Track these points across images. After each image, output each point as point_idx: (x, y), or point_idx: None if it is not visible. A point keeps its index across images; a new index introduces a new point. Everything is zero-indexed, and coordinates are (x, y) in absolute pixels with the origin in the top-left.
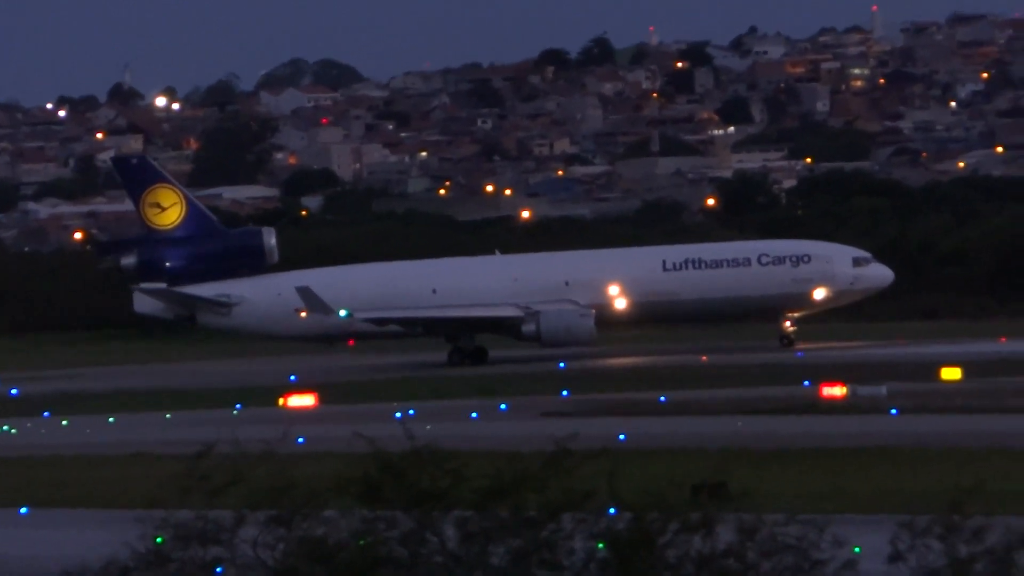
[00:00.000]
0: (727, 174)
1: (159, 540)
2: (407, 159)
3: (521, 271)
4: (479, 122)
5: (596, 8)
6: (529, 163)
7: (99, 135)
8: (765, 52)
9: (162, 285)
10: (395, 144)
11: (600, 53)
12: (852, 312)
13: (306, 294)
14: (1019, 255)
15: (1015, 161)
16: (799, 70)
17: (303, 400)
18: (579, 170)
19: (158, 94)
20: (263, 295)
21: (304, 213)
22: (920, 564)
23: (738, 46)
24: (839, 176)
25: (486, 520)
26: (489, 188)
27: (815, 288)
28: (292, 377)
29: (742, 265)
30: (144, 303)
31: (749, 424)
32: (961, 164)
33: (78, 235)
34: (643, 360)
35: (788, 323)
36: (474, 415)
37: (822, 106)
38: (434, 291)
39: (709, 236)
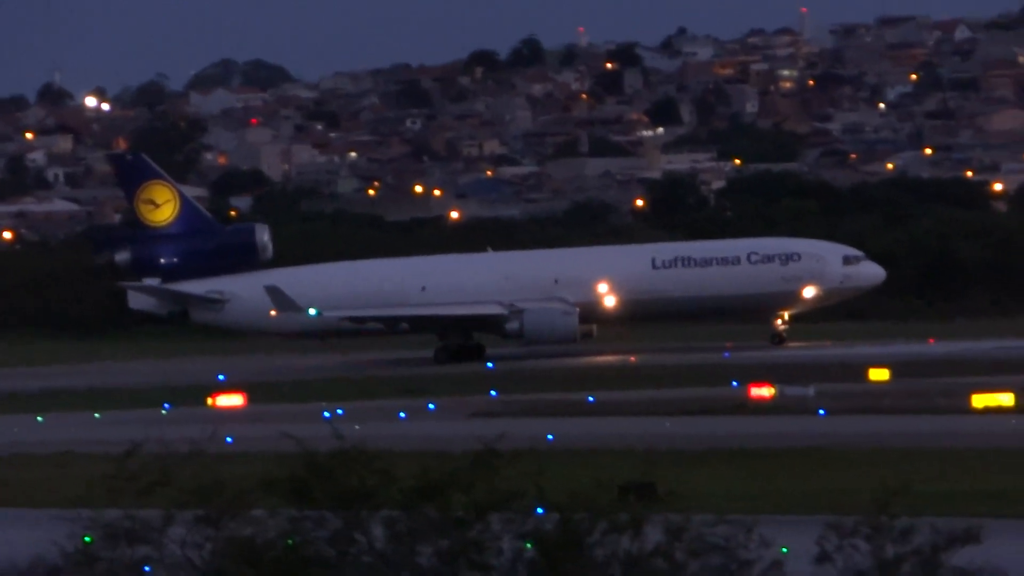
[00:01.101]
0: (656, 175)
1: (87, 539)
2: (336, 159)
3: (511, 269)
4: (408, 123)
5: (525, 9)
6: (458, 164)
7: (28, 135)
8: (694, 53)
9: (153, 281)
10: (324, 144)
11: (529, 54)
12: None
13: (274, 293)
14: (947, 256)
15: (943, 162)
16: (728, 71)
17: (231, 400)
18: (508, 171)
19: (88, 94)
20: (253, 291)
21: (233, 213)
22: (847, 565)
23: (667, 47)
24: (768, 177)
25: (414, 520)
26: (418, 188)
27: (804, 286)
28: (220, 377)
29: (731, 263)
30: (138, 300)
31: (677, 425)
32: (889, 165)
33: (7, 235)
34: (606, 359)
35: (780, 321)
36: (402, 415)
37: (751, 107)
38: (423, 288)
39: (637, 237)
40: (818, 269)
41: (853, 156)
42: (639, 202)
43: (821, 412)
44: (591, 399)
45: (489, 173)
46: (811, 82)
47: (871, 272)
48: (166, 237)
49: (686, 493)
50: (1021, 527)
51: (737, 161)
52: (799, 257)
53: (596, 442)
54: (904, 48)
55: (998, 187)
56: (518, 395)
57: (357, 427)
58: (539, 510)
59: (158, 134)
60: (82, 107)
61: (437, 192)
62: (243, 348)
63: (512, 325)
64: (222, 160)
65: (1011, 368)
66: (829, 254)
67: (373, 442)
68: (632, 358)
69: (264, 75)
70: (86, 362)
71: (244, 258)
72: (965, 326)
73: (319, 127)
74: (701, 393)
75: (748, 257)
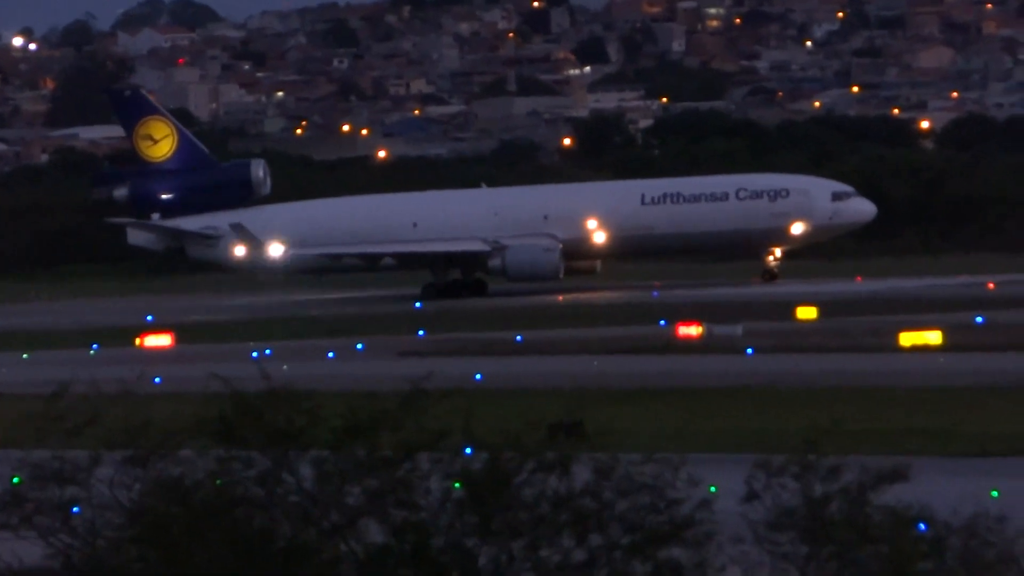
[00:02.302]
0: (583, 114)
1: (16, 480)
2: (263, 99)
3: (501, 205)
4: (335, 62)
5: None
6: (385, 103)
7: None
8: None
9: (132, 220)
10: (251, 84)
11: None
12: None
13: (238, 230)
14: (874, 194)
15: (870, 100)
16: (655, 10)
17: (160, 340)
18: (435, 110)
19: (15, 34)
20: (250, 228)
21: None
22: (775, 503)
23: None
24: (695, 116)
25: (342, 460)
26: (345, 128)
27: (792, 223)
28: (149, 317)
29: (719, 199)
30: (137, 236)
31: (605, 364)
32: (817, 104)
33: None
34: (597, 295)
35: (771, 258)
36: (331, 355)
37: (678, 46)
38: (415, 225)
39: (564, 176)
40: (806, 205)
41: (780, 94)
42: (566, 141)
43: (749, 351)
44: (519, 338)
45: (416, 112)
46: (738, 20)
47: (861, 208)
48: (164, 173)
49: (615, 432)
50: (948, 465)
51: (664, 100)
52: (787, 193)
53: (525, 381)
54: None
55: (925, 125)
56: (447, 334)
57: (285, 367)
58: (468, 450)
59: (85, 74)
60: (8, 47)
61: (364, 131)
62: (208, 285)
63: (495, 262)
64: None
65: (938, 306)
66: (818, 190)
67: (301, 382)
68: (560, 297)
69: (191, 14)
70: (12, 303)
71: (240, 194)
72: (893, 264)
73: (246, 67)
74: (630, 332)
75: (737, 193)
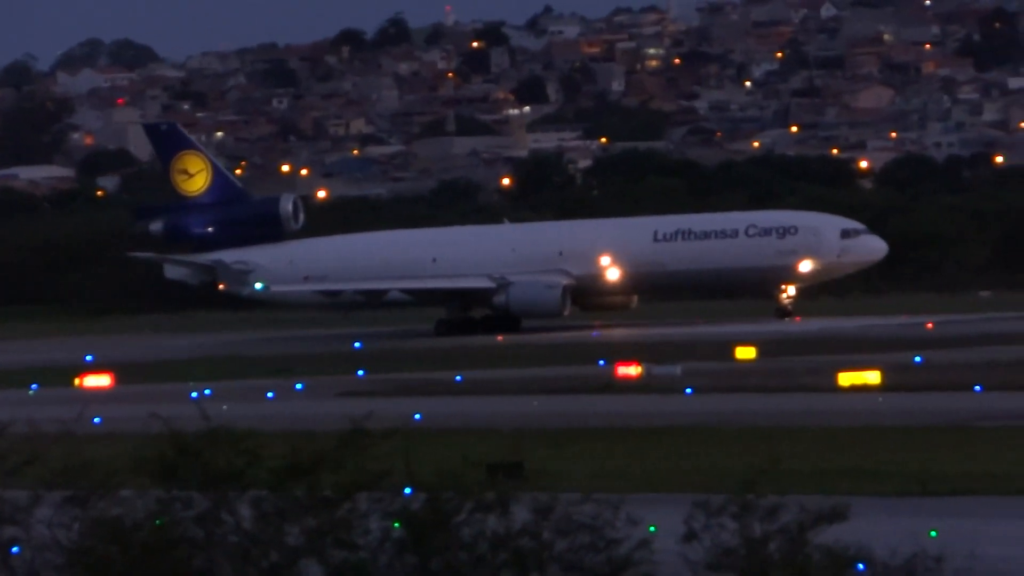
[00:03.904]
0: (523, 154)
1: None
2: (203, 139)
3: (518, 240)
4: (275, 102)
5: None
6: (325, 143)
7: None
8: (560, 32)
9: (150, 254)
10: (191, 124)
11: (396, 33)
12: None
13: (221, 267)
14: None
15: (809, 140)
16: (594, 50)
17: (99, 380)
18: (375, 150)
19: None
20: (276, 263)
21: (100, 193)
22: (715, 543)
23: (534, 26)
24: (634, 156)
25: (281, 500)
26: (285, 168)
27: (800, 260)
28: (88, 357)
29: (730, 236)
30: (174, 271)
31: (544, 404)
32: (756, 143)
33: None
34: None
35: (784, 295)
36: (270, 395)
37: (617, 86)
38: (434, 260)
39: (503, 216)
40: (815, 243)
41: (719, 134)
42: (506, 181)
43: (688, 390)
44: (458, 378)
45: (356, 152)
46: (677, 60)
47: (871, 245)
48: (198, 207)
49: (554, 472)
50: (887, 504)
51: (603, 139)
52: (796, 230)
53: (464, 421)
54: (770, 26)
55: (864, 165)
56: (386, 374)
57: (225, 407)
58: (407, 490)
59: (24, 114)
60: None
61: (304, 171)
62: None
63: (500, 298)
64: (89, 140)
65: (877, 346)
66: (826, 227)
67: (241, 422)
68: (499, 337)
69: (131, 55)
70: None
71: (270, 229)
72: (831, 304)
73: (186, 107)
74: (569, 372)
75: (747, 230)
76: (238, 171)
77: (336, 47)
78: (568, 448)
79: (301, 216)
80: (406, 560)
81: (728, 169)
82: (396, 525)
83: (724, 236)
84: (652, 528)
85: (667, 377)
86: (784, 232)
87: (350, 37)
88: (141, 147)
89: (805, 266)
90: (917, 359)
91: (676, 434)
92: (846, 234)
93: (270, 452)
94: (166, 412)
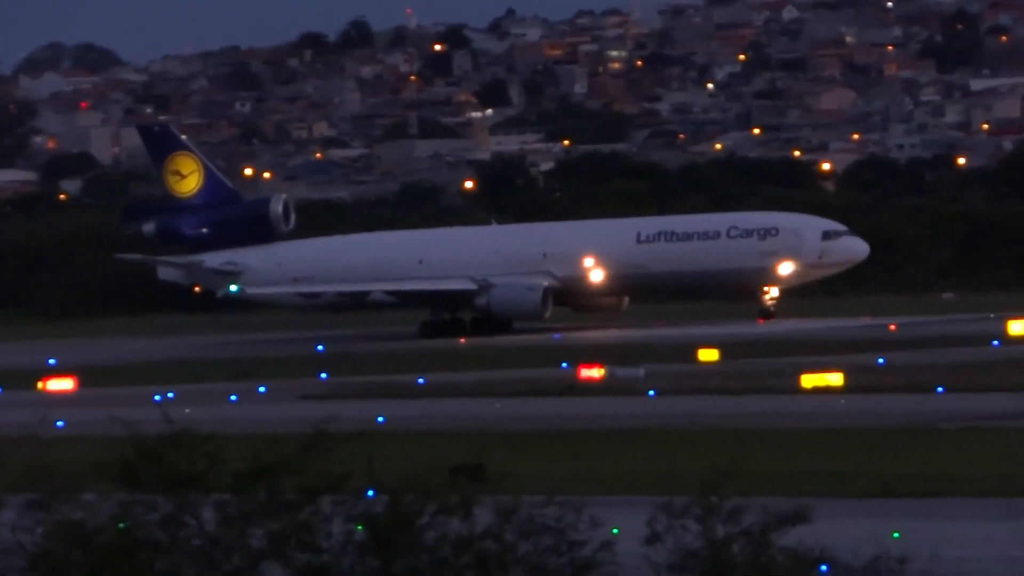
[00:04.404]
0: (485, 156)
1: None
2: None
3: (504, 242)
4: (238, 105)
5: None
6: (288, 146)
7: None
8: (523, 35)
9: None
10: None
11: (359, 36)
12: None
13: (197, 269)
14: None
15: (771, 143)
16: (557, 52)
17: (62, 384)
18: (337, 153)
19: None
20: (265, 264)
21: (63, 197)
22: (678, 545)
23: (496, 28)
24: (597, 158)
25: (244, 503)
26: (248, 171)
27: (780, 262)
28: (51, 361)
29: (711, 238)
30: (167, 272)
31: (507, 406)
32: (718, 146)
33: None
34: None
35: (768, 297)
36: (233, 398)
37: (580, 88)
38: (420, 262)
39: (466, 219)
40: (795, 244)
41: (682, 137)
42: (468, 183)
43: (651, 393)
44: (421, 381)
45: (318, 156)
46: (640, 63)
47: (852, 247)
48: (191, 208)
49: (516, 474)
50: (849, 506)
51: (566, 142)
52: (777, 232)
53: (427, 424)
54: (732, 28)
55: (826, 166)
56: (349, 377)
57: (188, 410)
58: (370, 492)
59: None
60: None
61: (267, 175)
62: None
63: (481, 300)
64: (52, 144)
65: (840, 348)
66: (808, 229)
67: (204, 425)
68: (462, 339)
69: (93, 58)
70: None
71: (260, 230)
72: (794, 306)
73: (149, 110)
74: (532, 375)
75: (728, 232)
76: None
77: (298, 50)
78: (531, 451)
79: (293, 217)
80: (369, 563)
81: (691, 171)
82: (359, 528)
83: (706, 238)
84: (615, 530)
85: (630, 379)
86: (765, 234)
87: (312, 40)
88: (104, 151)
89: (786, 268)
90: (880, 361)
91: (639, 436)
92: (827, 236)
93: (233, 455)
94: (129, 416)
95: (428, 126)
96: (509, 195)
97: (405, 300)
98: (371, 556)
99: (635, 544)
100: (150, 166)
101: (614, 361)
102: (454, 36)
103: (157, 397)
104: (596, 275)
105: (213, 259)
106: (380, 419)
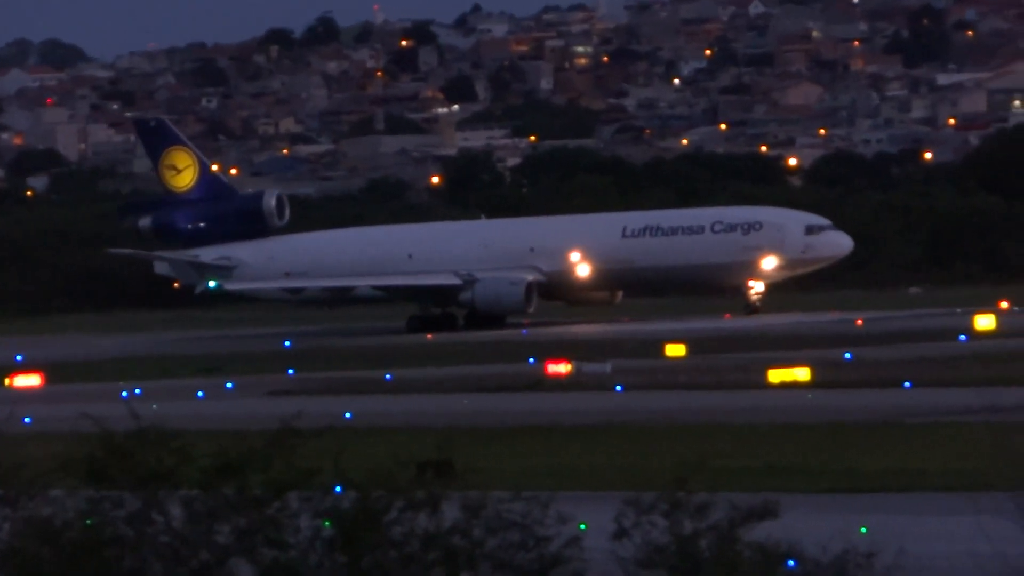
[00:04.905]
0: (452, 152)
1: None
2: (132, 139)
3: (492, 237)
4: (204, 101)
5: None
6: (254, 142)
7: None
8: (489, 30)
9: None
10: (120, 124)
11: (325, 32)
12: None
13: (174, 264)
14: None
15: (738, 138)
16: (523, 48)
17: (29, 380)
18: (304, 149)
19: None
20: (257, 258)
21: (30, 193)
22: (645, 540)
23: (462, 24)
24: (563, 154)
25: (212, 499)
26: (214, 167)
27: (763, 257)
28: (18, 357)
29: (696, 233)
30: (162, 266)
31: (474, 402)
32: (685, 141)
33: None
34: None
35: (752, 292)
36: (200, 394)
37: (546, 84)
38: (410, 256)
39: (432, 214)
40: (778, 239)
41: (648, 132)
42: (435, 179)
43: (618, 388)
44: (388, 376)
45: (285, 151)
46: (606, 58)
47: (836, 241)
48: (186, 203)
49: (484, 470)
50: (817, 501)
51: (532, 138)
52: (760, 226)
53: (395, 420)
54: (698, 23)
55: (793, 162)
56: (316, 373)
57: (155, 407)
58: (337, 488)
59: None
60: None
61: (233, 171)
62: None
63: (466, 295)
64: (18, 140)
65: (807, 343)
66: (791, 223)
67: (171, 422)
68: (428, 335)
69: (60, 55)
70: None
71: (253, 224)
72: (762, 301)
73: (115, 106)
74: (499, 370)
75: (712, 226)
76: None
77: (265, 46)
78: (498, 446)
79: (287, 212)
80: (336, 559)
81: (657, 167)
82: (326, 524)
83: (690, 232)
84: (582, 526)
85: (597, 375)
86: (749, 228)
87: (279, 36)
88: (71, 147)
89: (768, 263)
90: (847, 355)
91: (606, 431)
92: (810, 230)
93: (200, 451)
94: (96, 412)
95: (394, 122)
96: (475, 191)
97: (392, 295)
98: (339, 552)
99: (603, 539)
100: (117, 162)
101: (581, 356)
102: (420, 32)
103: (124, 393)
104: (582, 270)
105: (207, 254)
106: (347, 415)
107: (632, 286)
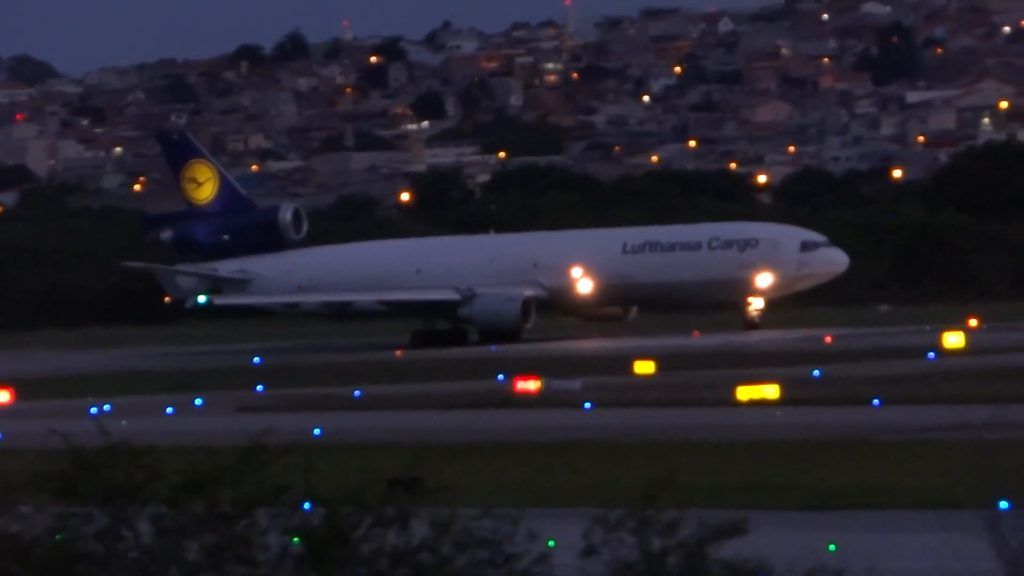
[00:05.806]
0: (421, 169)
1: None
2: (102, 155)
3: (498, 252)
4: (174, 117)
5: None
6: (224, 158)
7: None
8: (459, 47)
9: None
10: (90, 140)
11: (294, 48)
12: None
13: (162, 276)
14: None
15: (707, 155)
16: (493, 65)
17: None
18: (274, 165)
19: None
20: (274, 272)
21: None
22: (614, 557)
23: (432, 41)
24: (532, 170)
25: (181, 516)
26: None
27: (758, 274)
28: None
29: (693, 249)
30: (183, 279)
31: (444, 419)
32: (654, 158)
33: None
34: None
35: (752, 308)
36: (170, 410)
37: (516, 100)
38: (418, 271)
39: (401, 231)
40: (773, 255)
41: (617, 149)
42: (404, 196)
43: (587, 405)
44: (358, 393)
45: (255, 168)
46: (575, 75)
47: (831, 258)
48: (206, 216)
49: (453, 487)
50: (785, 518)
51: (502, 154)
52: (756, 243)
53: (364, 436)
54: (668, 41)
55: (762, 179)
56: (286, 389)
57: (124, 422)
58: (306, 505)
59: None
60: None
61: None
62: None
63: (464, 311)
64: None
65: (776, 360)
66: (786, 240)
67: (141, 438)
68: (398, 352)
69: (30, 70)
70: None
71: (269, 238)
72: (731, 318)
73: (85, 122)
74: (468, 387)
75: (709, 243)
76: (137, 186)
77: (234, 62)
78: (467, 463)
79: (304, 226)
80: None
81: (627, 184)
82: (295, 541)
83: (688, 248)
84: (551, 543)
85: (566, 392)
86: (745, 245)
87: (248, 52)
88: (40, 163)
89: (763, 279)
90: (815, 373)
91: (575, 449)
92: (806, 247)
93: (169, 467)
94: (66, 428)
95: (364, 138)
96: (445, 207)
97: (395, 310)
98: (308, 569)
99: (572, 556)
100: (87, 178)
101: (551, 373)
102: (390, 48)
103: (94, 409)
104: (584, 285)
105: (225, 267)
106: (317, 431)
107: (632, 302)
